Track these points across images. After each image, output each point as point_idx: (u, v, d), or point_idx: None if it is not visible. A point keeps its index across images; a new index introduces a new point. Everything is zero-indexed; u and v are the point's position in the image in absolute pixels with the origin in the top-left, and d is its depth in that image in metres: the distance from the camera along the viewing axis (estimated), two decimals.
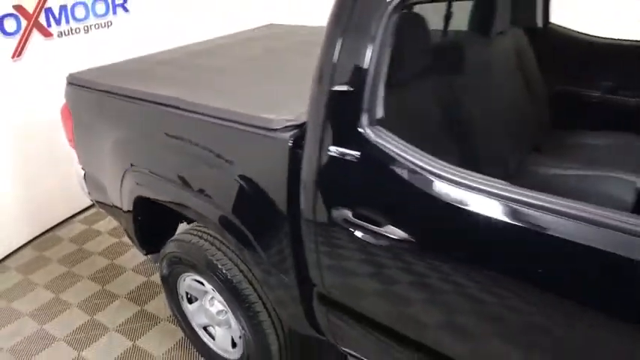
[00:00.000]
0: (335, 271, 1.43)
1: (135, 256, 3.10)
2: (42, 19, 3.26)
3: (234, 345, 2.07)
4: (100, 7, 3.60)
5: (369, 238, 1.27)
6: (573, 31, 2.43)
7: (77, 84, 2.25)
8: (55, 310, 2.75)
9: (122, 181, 2.04)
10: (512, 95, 2.15)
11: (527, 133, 2.18)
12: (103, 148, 2.12)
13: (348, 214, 1.29)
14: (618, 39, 2.28)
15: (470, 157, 1.65)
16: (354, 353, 1.63)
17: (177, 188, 1.82)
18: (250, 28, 3.01)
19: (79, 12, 3.48)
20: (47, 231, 3.53)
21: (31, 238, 3.44)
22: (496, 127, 1.91)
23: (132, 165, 1.97)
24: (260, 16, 3.43)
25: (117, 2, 3.70)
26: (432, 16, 1.54)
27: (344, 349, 1.66)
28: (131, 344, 2.45)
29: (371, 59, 1.21)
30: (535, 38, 2.38)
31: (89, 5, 3.52)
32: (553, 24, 2.48)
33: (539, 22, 2.46)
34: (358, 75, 1.23)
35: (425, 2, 1.46)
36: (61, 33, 3.39)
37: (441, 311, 1.24)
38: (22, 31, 3.16)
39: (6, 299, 2.85)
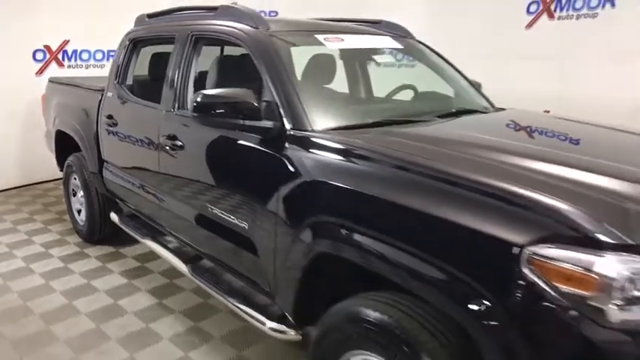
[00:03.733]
0: (105, 147, 3.53)
1: None
2: (60, 56, 5.80)
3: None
4: (99, 55, 6.12)
5: (110, 128, 3.38)
6: None
7: (51, 81, 4.61)
8: (18, 216, 4.89)
9: (53, 123, 4.28)
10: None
11: None
12: (51, 110, 4.40)
13: (105, 117, 3.42)
14: None
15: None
16: (128, 205, 3.61)
17: (71, 125, 4.01)
18: None
19: (84, 56, 6.02)
20: (30, 184, 5.80)
21: (19, 185, 5.70)
22: None
23: (57, 115, 4.22)
24: None
25: (111, 54, 6.21)
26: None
27: (118, 200, 3.68)
28: (34, 227, 4.54)
29: (121, 59, 3.41)
30: None
31: (92, 53, 6.06)
32: None
33: None
34: (118, 61, 3.43)
35: (144, 42, 3.53)
36: (70, 66, 5.91)
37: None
38: (45, 60, 5.69)
39: None
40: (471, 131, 2.23)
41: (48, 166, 5.54)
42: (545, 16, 5.48)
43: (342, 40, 2.62)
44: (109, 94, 3.45)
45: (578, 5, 5.19)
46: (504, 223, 1.37)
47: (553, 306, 1.26)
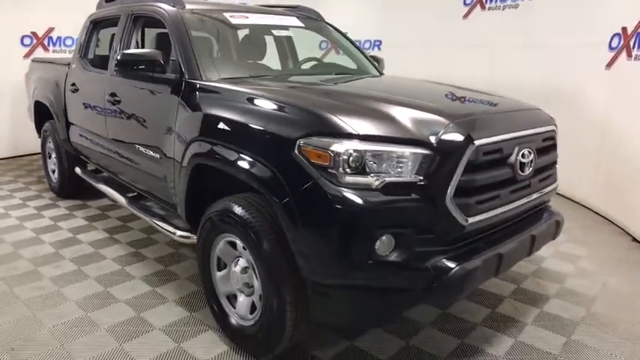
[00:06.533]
0: (70, 111, 4.28)
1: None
2: (45, 42, 6.58)
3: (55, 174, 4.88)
4: None
5: (73, 94, 4.14)
6: None
7: (33, 60, 5.39)
8: (3, 179, 5.68)
9: (32, 95, 5.05)
10: None
11: None
12: (31, 85, 5.17)
13: (70, 85, 4.18)
14: None
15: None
16: (89, 159, 4.37)
17: (46, 95, 4.78)
18: None
19: (68, 42, 6.80)
20: (17, 156, 6.59)
21: (6, 156, 6.49)
22: None
23: (35, 88, 4.99)
24: None
25: None
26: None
27: (82, 157, 4.43)
28: (16, 186, 5.31)
29: (83, 37, 4.17)
30: None
31: (75, 39, 6.83)
32: None
33: None
34: (81, 38, 4.19)
35: (101, 22, 4.30)
36: (55, 51, 6.69)
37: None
38: (32, 45, 6.47)
39: None
40: (328, 82, 3.03)
41: (33, 140, 6.36)
42: (478, 7, 6.20)
43: (247, 17, 3.36)
44: (74, 65, 4.21)
45: None
46: (290, 127, 2.12)
47: (310, 174, 1.98)
